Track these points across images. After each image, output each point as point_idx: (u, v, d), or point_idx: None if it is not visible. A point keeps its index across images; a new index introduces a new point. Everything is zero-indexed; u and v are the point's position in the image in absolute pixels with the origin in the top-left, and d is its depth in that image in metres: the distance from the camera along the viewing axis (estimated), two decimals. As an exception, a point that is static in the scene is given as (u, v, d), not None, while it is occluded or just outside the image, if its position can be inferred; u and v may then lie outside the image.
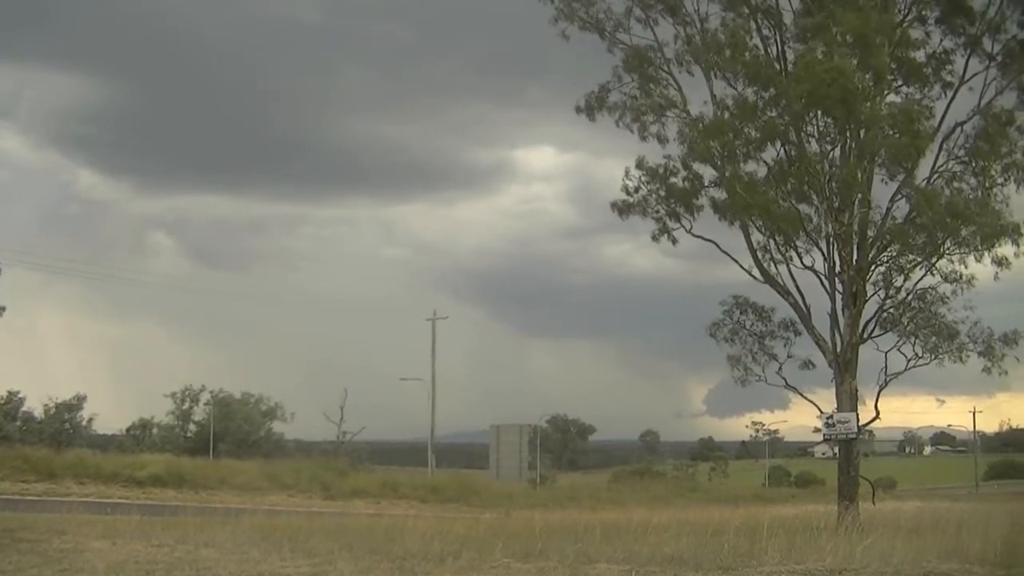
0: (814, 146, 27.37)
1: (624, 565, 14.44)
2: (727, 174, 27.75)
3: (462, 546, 16.67)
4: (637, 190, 29.24)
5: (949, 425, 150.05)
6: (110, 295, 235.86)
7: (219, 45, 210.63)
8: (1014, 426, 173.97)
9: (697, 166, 28.79)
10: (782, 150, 27.61)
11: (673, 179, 28.87)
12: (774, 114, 27.37)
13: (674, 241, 29.42)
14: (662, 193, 29.05)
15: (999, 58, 27.95)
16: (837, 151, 27.23)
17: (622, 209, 29.58)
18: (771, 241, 28.33)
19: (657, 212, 29.30)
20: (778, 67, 27.56)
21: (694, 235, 29.20)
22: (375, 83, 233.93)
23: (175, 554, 16.39)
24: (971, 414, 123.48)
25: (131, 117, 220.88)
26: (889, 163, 26.86)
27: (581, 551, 15.90)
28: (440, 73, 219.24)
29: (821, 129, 27.14)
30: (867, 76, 25.51)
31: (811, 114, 26.58)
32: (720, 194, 28.43)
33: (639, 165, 29.19)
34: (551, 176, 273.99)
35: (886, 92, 27.26)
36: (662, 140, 29.19)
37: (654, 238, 29.62)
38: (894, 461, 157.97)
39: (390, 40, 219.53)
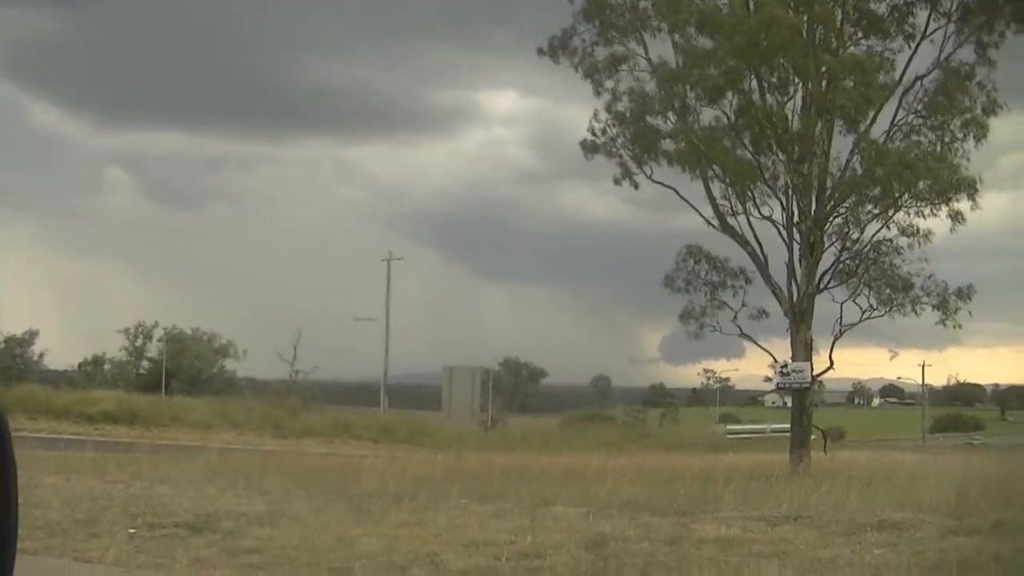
0: (770, 97, 27.45)
1: (581, 508, 14.49)
2: (683, 123, 27.84)
3: (418, 487, 16.72)
4: (604, 132, 29.28)
5: (899, 377, 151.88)
6: (66, 231, 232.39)
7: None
8: (961, 380, 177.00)
9: (650, 119, 28.89)
10: (738, 99, 27.68)
11: (641, 123, 28.85)
12: (732, 64, 27.41)
13: (636, 186, 29.55)
14: (627, 135, 29.06)
15: (958, 12, 28.05)
16: (798, 102, 27.32)
17: (589, 149, 29.66)
18: (729, 190, 28.41)
19: (620, 156, 29.38)
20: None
21: (654, 181, 29.32)
22: (340, 23, 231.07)
23: (130, 490, 16.33)
24: (920, 368, 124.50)
25: (90, 51, 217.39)
26: (842, 115, 26.96)
27: (537, 493, 15.98)
28: (406, 16, 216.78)
29: (778, 80, 27.18)
30: (816, 27, 25.62)
31: (760, 65, 26.65)
32: (676, 145, 28.54)
33: (608, 108, 29.25)
34: (512, 120, 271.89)
35: (848, 43, 27.31)
36: (616, 95, 29.26)
37: (616, 182, 29.77)
38: (843, 412, 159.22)
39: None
